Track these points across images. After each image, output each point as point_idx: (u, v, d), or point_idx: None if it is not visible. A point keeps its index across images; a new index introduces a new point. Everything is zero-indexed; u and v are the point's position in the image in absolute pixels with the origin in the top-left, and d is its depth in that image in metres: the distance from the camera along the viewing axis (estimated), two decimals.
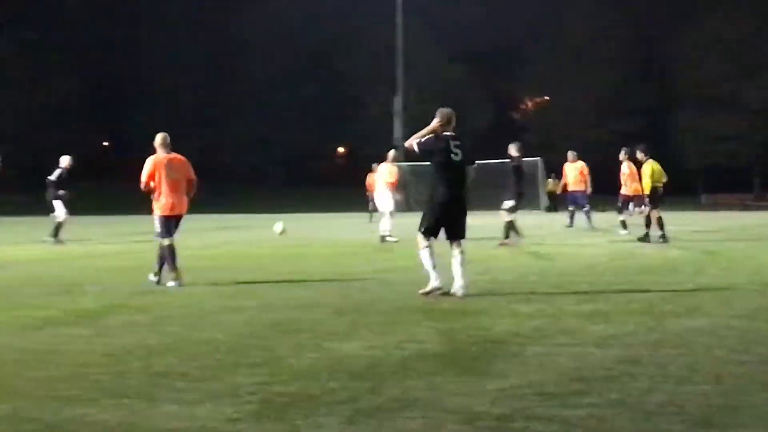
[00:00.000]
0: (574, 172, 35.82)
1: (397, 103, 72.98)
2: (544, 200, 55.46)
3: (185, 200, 17.03)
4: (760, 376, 8.12)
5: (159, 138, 16.98)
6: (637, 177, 29.68)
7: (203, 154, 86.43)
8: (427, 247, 14.44)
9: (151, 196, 16.82)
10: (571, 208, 36.36)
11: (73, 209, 30.10)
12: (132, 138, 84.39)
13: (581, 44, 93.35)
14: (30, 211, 56.81)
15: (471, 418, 6.85)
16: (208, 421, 6.86)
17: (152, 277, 16.63)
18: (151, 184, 16.76)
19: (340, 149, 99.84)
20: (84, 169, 63.05)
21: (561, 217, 41.67)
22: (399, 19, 73.18)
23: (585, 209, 35.01)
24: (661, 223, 26.60)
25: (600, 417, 6.82)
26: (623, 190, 31.61)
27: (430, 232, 14.50)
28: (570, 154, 36.48)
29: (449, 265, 14.30)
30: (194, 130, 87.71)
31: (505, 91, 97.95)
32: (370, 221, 43.19)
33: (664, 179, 27.08)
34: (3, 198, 73.33)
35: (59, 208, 29.41)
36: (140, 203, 21.60)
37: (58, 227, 29.13)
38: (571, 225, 35.61)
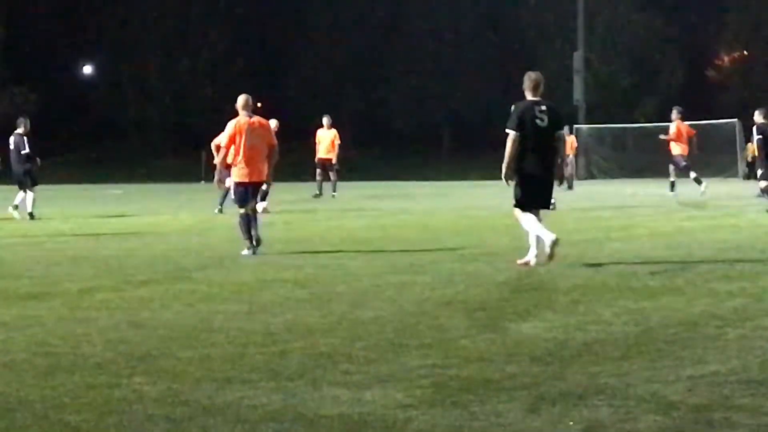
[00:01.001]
0: None
1: (578, 60, 71.92)
2: (742, 167, 54.37)
3: (264, 167, 17.36)
4: None
5: (241, 100, 17.39)
6: None
7: (365, 115, 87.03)
8: (530, 219, 14.86)
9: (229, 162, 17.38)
10: None
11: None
12: (287, 98, 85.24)
13: None
14: (181, 178, 58.29)
15: (665, 407, 6.76)
16: (377, 406, 6.90)
17: (245, 252, 16.91)
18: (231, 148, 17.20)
19: None
20: None
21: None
22: None
23: None
24: None
25: None
26: None
27: (529, 204, 14.96)
28: None
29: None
30: (355, 89, 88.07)
31: (699, 45, 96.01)
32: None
33: None
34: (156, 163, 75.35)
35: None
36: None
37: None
38: None
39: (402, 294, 12.20)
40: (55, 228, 24.17)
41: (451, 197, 38.46)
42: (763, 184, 27.60)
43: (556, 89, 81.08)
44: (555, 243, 14.58)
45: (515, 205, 15.06)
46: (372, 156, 78.78)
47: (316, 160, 38.33)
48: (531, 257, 14.79)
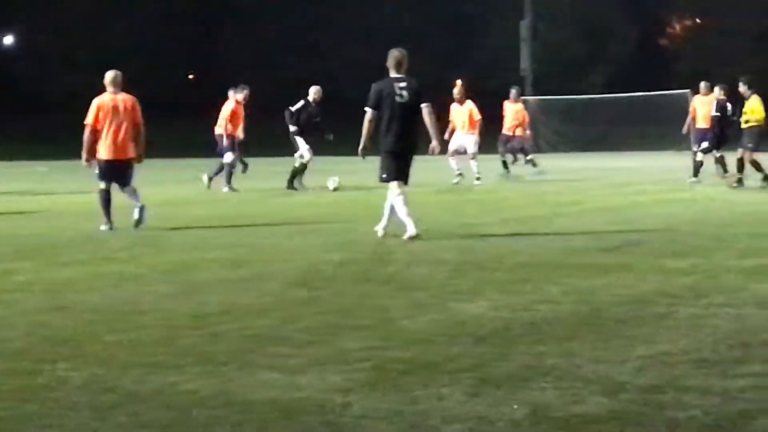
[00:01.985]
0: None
1: (524, 29, 72.39)
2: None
3: (130, 146, 17.84)
4: None
5: (109, 76, 17.97)
6: None
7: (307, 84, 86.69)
8: (400, 194, 15.67)
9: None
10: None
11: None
12: (221, 70, 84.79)
13: None
14: None
15: (613, 389, 6.80)
16: (313, 391, 6.88)
17: (103, 227, 17.49)
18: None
19: (458, 82, 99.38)
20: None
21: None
22: None
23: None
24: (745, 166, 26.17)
25: (765, 388, 6.74)
26: None
27: (393, 176, 15.85)
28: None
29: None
30: (298, 58, 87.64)
31: (651, 13, 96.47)
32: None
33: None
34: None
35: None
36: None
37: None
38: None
39: (340, 273, 12.20)
40: None
41: None
42: (715, 154, 28.79)
43: (503, 59, 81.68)
44: (413, 238, 15.38)
45: (381, 180, 16.07)
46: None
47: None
48: (410, 230, 15.52)
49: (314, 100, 29.36)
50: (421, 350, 7.98)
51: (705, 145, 29.21)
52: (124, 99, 17.79)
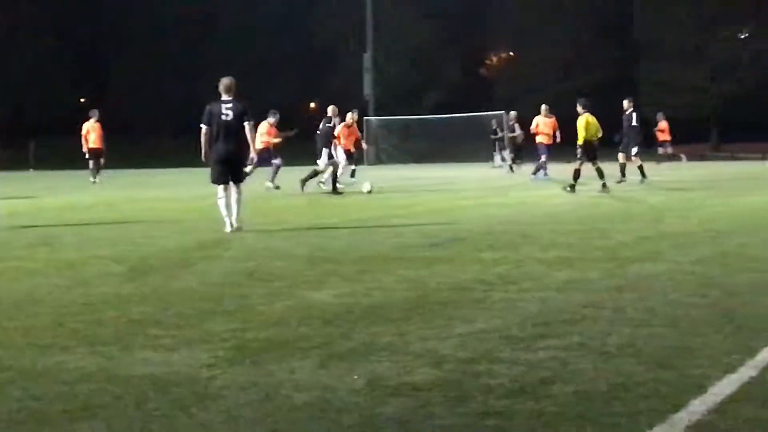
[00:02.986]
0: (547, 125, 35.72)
1: (367, 60, 73.03)
2: (507, 153, 55.51)
3: None
4: (713, 319, 8.14)
5: None
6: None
7: (185, 108, 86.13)
8: (222, 197, 16.64)
9: None
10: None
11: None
12: (110, 95, 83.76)
13: (545, 1, 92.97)
14: (10, 167, 56.57)
15: (438, 361, 6.84)
16: (183, 366, 6.82)
17: None
18: None
19: (312, 105, 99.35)
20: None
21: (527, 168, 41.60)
22: None
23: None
24: (601, 173, 26.33)
25: (562, 359, 6.82)
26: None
27: (219, 180, 16.71)
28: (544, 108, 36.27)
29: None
30: (178, 84, 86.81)
31: (473, 48, 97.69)
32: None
33: (600, 134, 26.87)
34: None
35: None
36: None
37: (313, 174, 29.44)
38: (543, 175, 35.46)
39: (209, 267, 12.11)
40: None
41: (252, 182, 38.19)
42: (621, 156, 31.65)
43: (349, 86, 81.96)
44: (234, 230, 16.30)
45: (212, 182, 16.91)
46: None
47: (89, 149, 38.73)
48: (227, 226, 16.43)
49: (332, 116, 29.85)
50: (276, 331, 7.95)
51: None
52: None
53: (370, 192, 27.64)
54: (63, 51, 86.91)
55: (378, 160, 63.30)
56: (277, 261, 12.54)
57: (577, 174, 26.44)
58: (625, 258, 12.17)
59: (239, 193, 16.70)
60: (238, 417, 5.60)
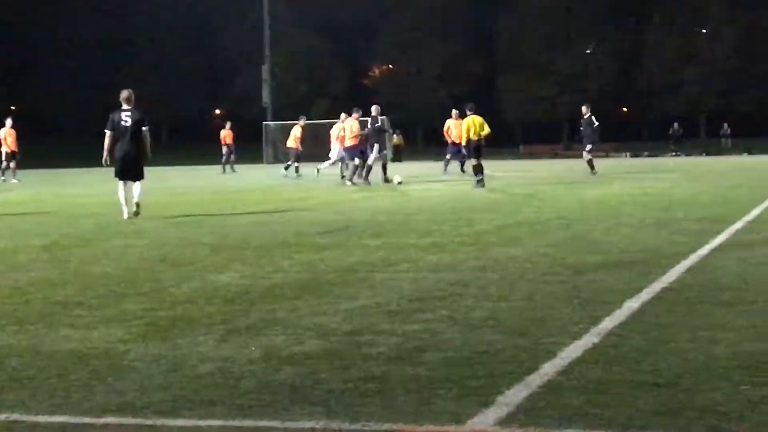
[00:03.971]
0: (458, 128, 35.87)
1: (265, 71, 72.92)
2: (390, 153, 55.79)
3: None
4: (563, 294, 8.27)
5: None
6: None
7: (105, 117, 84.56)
8: (121, 190, 17.18)
9: None
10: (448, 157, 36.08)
11: None
12: (33, 103, 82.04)
13: (423, 18, 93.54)
14: None
15: (326, 333, 6.84)
16: (101, 342, 6.71)
17: None
18: None
19: (217, 111, 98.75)
20: None
21: (406, 167, 41.84)
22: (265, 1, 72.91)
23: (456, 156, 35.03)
24: (478, 170, 26.34)
25: (433, 330, 6.87)
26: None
27: (119, 176, 17.29)
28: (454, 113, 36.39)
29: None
30: (102, 94, 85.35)
31: (358, 60, 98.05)
32: (223, 172, 43.81)
33: (484, 132, 26.64)
34: None
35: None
36: None
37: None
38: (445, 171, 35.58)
39: (126, 254, 11.92)
40: None
41: (166, 180, 37.80)
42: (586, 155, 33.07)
43: (250, 95, 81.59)
44: (130, 217, 16.76)
45: (115, 176, 17.39)
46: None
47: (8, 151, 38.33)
48: (125, 214, 16.88)
49: (376, 115, 29.78)
50: (184, 310, 7.86)
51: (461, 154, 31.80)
52: None
53: (400, 183, 28.29)
54: None
55: (276, 160, 63.05)
56: (186, 248, 12.40)
57: (476, 169, 26.33)
58: (488, 243, 12.28)
59: (138, 187, 17.14)
60: (150, 385, 5.53)
